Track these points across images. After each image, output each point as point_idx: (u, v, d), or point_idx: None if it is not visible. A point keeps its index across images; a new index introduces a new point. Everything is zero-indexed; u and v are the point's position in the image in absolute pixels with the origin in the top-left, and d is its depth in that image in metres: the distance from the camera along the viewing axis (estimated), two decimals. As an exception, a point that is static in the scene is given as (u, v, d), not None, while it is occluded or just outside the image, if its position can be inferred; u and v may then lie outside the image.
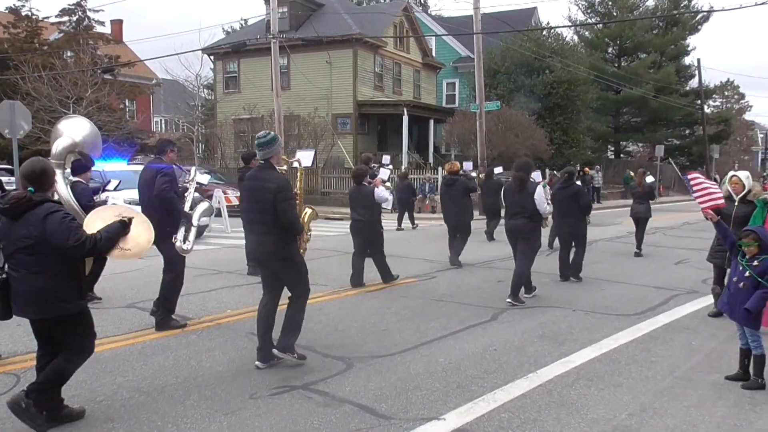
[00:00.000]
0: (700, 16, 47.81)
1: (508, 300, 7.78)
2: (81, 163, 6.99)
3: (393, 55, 32.67)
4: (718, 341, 6.27)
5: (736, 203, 6.93)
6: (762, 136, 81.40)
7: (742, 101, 71.18)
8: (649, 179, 12.90)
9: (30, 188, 3.92)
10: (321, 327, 6.64)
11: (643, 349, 5.93)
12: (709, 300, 8.15)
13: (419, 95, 34.83)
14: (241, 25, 44.20)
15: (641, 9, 45.29)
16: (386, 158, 22.19)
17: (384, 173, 9.96)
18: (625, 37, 45.41)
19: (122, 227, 4.08)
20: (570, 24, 43.43)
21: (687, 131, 50.64)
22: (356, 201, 8.93)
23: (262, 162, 5.24)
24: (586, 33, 47.01)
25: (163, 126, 55.59)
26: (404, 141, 29.13)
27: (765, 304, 5.08)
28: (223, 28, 44.61)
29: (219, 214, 16.09)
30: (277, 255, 5.15)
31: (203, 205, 6.23)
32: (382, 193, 8.85)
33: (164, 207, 6.14)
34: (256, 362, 5.30)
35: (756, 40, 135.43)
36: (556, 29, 34.80)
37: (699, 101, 46.69)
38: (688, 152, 49.39)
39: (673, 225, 15.06)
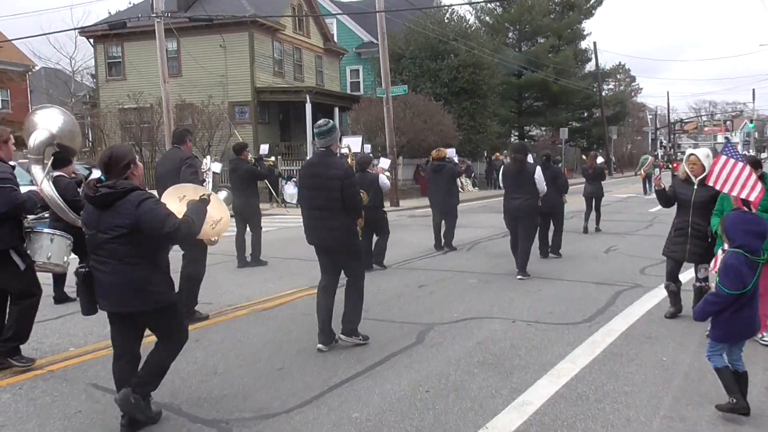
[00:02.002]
0: (594, 0, 48.88)
1: (519, 276, 8.33)
2: (62, 156, 6.41)
3: (293, 39, 30.79)
4: (690, 353, 5.19)
5: (695, 186, 5.90)
6: (651, 117, 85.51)
7: (633, 84, 74.20)
8: (599, 161, 13.64)
9: (102, 176, 3.77)
10: (194, 369, 5.01)
11: (610, 374, 4.74)
12: (657, 295, 7.24)
13: (322, 82, 33.15)
14: (130, 4, 40.77)
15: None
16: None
17: (385, 162, 10.78)
18: (524, 22, 45.63)
19: (204, 205, 3.99)
20: (469, 1, 42.95)
21: (586, 114, 51.85)
22: (362, 187, 8.06)
23: (323, 150, 5.33)
24: (487, 18, 46.86)
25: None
26: (308, 129, 27.39)
27: (710, 310, 4.00)
28: (109, 12, 40.74)
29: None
30: (342, 240, 5.28)
31: (222, 194, 5.89)
32: (385, 180, 9.60)
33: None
34: (319, 345, 5.38)
35: (643, 26, 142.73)
36: (458, 13, 34.07)
37: (596, 84, 47.78)
38: (588, 134, 50.57)
39: (584, 209, 14.47)
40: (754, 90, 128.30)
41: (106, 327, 4.08)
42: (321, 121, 5.40)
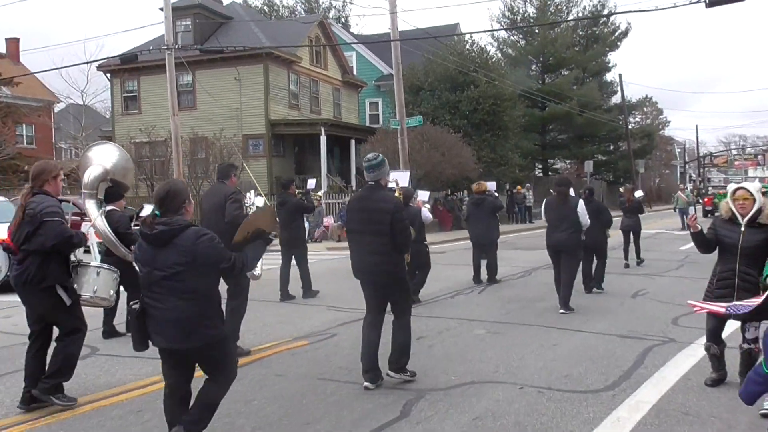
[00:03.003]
0: (618, 32, 48.11)
1: (561, 311, 8.22)
2: (114, 191, 6.78)
3: (309, 71, 30.39)
4: (741, 438, 4.13)
5: (742, 228, 4.89)
6: (679, 150, 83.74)
7: (660, 117, 72.74)
8: (638, 194, 13.59)
9: (156, 211, 3.74)
10: (230, 403, 4.08)
11: (639, 470, 3.71)
12: (694, 353, 6.16)
13: (340, 115, 32.64)
14: (147, 40, 41.04)
15: (563, 26, 44.85)
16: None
17: (424, 195, 10.58)
18: (547, 54, 44.94)
19: (265, 244, 4.02)
20: (492, 29, 42.37)
21: (612, 146, 50.64)
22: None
23: (372, 183, 5.30)
24: (510, 50, 46.31)
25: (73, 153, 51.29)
26: (323, 163, 26.78)
27: (756, 390, 3.36)
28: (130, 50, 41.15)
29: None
30: (392, 274, 5.24)
31: (259, 200, 5.98)
32: (428, 213, 9.64)
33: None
34: (366, 383, 5.25)
35: (670, 58, 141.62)
36: (479, 45, 33.47)
37: (622, 116, 46.64)
38: (614, 167, 49.27)
39: (611, 245, 13.38)
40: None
41: (152, 364, 4.39)
42: (370, 155, 5.38)
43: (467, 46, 32.05)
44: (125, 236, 6.60)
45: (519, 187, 31.69)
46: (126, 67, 27.98)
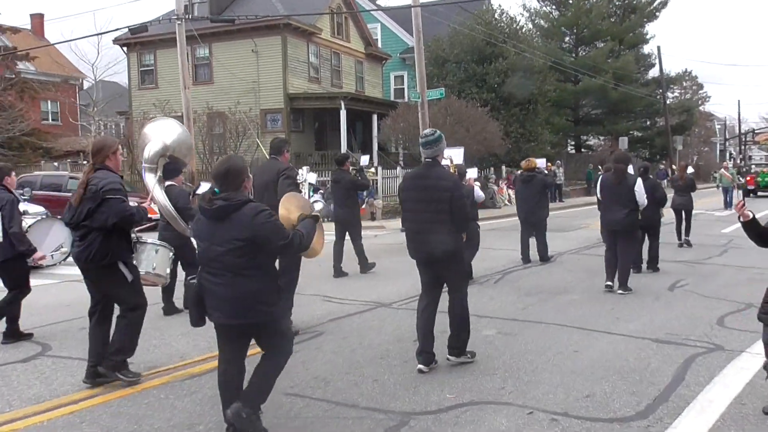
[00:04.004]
0: (657, 2, 45.71)
1: (620, 291, 7.97)
2: (173, 167, 6.84)
3: (330, 43, 29.24)
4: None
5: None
6: (719, 126, 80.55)
7: (700, 92, 69.79)
8: (689, 171, 13.11)
9: (215, 188, 3.70)
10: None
11: None
12: (747, 366, 5.08)
13: (363, 88, 31.49)
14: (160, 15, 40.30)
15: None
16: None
17: (472, 172, 10.28)
18: (581, 26, 42.94)
19: (315, 221, 4.00)
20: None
21: (648, 122, 48.54)
22: None
23: (429, 160, 5.14)
24: (542, 22, 44.40)
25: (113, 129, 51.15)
26: (343, 138, 25.76)
27: None
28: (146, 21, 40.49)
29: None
30: (449, 253, 5.07)
31: (318, 206, 5.51)
32: (480, 191, 9.58)
33: None
34: (419, 366, 5.05)
35: (711, 30, 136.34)
36: (509, 14, 31.90)
37: (660, 90, 44.49)
38: (651, 144, 47.27)
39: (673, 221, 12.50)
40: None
41: (210, 340, 4.37)
42: (428, 131, 5.23)
43: (495, 15, 30.51)
44: (184, 211, 6.66)
45: (549, 164, 30.23)
46: (142, 40, 27.33)
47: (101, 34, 25.10)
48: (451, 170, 7.37)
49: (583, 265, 10.44)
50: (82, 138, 29.54)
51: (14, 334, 6.18)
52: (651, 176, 10.03)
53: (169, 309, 7.21)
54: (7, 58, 28.71)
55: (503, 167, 28.08)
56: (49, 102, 36.51)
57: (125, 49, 28.80)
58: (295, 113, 27.08)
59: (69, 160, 27.32)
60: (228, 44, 26.43)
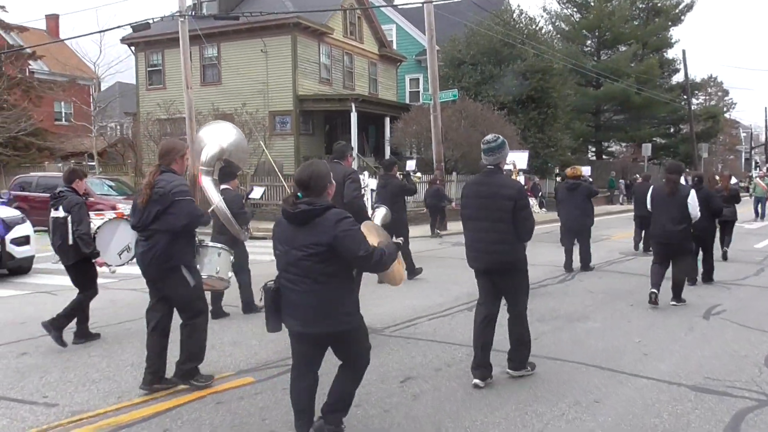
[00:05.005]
0: (683, 5, 44.29)
1: (672, 302, 7.87)
2: (228, 170, 6.94)
3: (343, 44, 28.38)
4: None
5: None
6: (745, 134, 78.53)
7: (726, 98, 68.03)
8: (734, 181, 12.51)
9: (299, 193, 3.65)
10: None
11: None
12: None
13: (376, 91, 30.58)
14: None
15: (620, -1, 41.42)
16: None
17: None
18: (604, 29, 41.75)
19: (397, 249, 3.89)
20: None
21: (672, 129, 47.12)
22: None
23: (491, 167, 5.01)
24: (563, 24, 43.25)
25: (119, 131, 50.88)
26: (354, 141, 24.81)
27: None
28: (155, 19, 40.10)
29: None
30: (511, 264, 4.94)
31: (381, 211, 5.21)
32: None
33: (355, 216, 4.19)
34: (475, 380, 4.87)
35: (738, 35, 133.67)
36: (527, 14, 30.83)
37: (685, 96, 43.04)
38: (674, 151, 45.64)
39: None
40: None
41: (268, 346, 5.17)
42: (490, 137, 5.10)
43: (514, 16, 29.45)
44: (238, 215, 6.76)
45: (568, 170, 29.08)
46: (149, 40, 26.75)
47: (103, 31, 24.40)
48: (514, 176, 7.28)
49: (604, 285, 9.39)
50: (84, 139, 28.89)
51: (84, 334, 6.25)
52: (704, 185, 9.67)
53: (217, 312, 7.09)
54: (16, 57, 28.28)
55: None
56: (62, 103, 36.11)
57: (133, 48, 28.20)
58: (305, 115, 26.24)
59: (73, 161, 26.67)
60: (237, 44, 25.71)
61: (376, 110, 26.65)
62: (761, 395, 4.71)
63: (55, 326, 5.92)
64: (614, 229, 18.54)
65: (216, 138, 6.49)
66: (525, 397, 4.70)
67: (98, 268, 6.32)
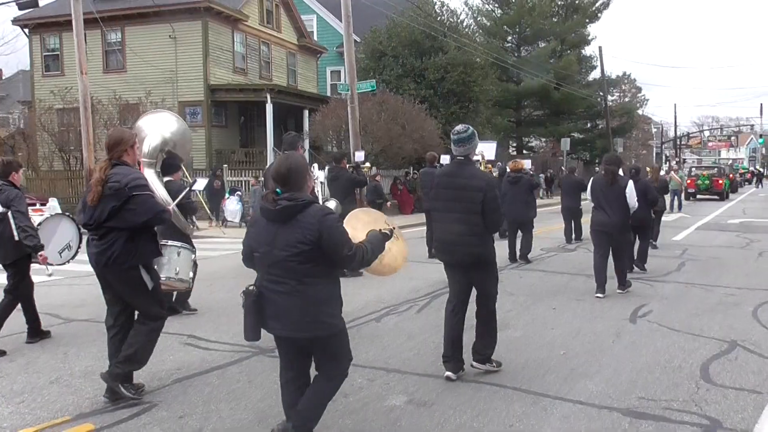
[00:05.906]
0: (600, 2, 45.26)
1: (619, 290, 8.12)
2: (172, 162, 6.67)
3: (259, 32, 27.04)
4: None
5: None
6: (656, 130, 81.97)
7: (639, 95, 70.55)
8: (662, 173, 13.48)
9: (277, 189, 3.43)
10: None
11: None
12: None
13: (295, 82, 29.41)
14: None
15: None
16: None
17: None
18: (524, 25, 42.10)
19: (384, 238, 3.67)
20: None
21: (589, 124, 48.26)
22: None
23: (461, 158, 4.95)
24: (484, 20, 43.31)
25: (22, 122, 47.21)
26: (269, 134, 23.63)
27: None
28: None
29: None
30: (481, 257, 4.89)
31: (332, 204, 5.30)
32: None
33: None
34: (447, 373, 4.87)
35: (651, 33, 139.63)
36: (449, 7, 30.44)
37: (601, 93, 44.07)
38: (591, 146, 46.78)
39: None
40: (762, 104, 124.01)
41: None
42: (460, 127, 4.95)
43: (435, 8, 28.96)
44: (185, 206, 6.45)
45: (489, 166, 28.90)
46: (46, 21, 24.60)
47: (17, 19, 22.00)
48: (482, 167, 6.66)
49: (525, 286, 8.78)
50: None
51: (37, 333, 6.04)
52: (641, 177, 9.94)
53: (173, 309, 6.73)
54: None
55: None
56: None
57: (26, 30, 25.84)
58: (217, 106, 24.81)
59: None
60: (143, 29, 23.95)
61: (294, 102, 25.54)
62: (703, 418, 4.10)
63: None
64: (535, 223, 18.23)
65: (157, 128, 6.19)
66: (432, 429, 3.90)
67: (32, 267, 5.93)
